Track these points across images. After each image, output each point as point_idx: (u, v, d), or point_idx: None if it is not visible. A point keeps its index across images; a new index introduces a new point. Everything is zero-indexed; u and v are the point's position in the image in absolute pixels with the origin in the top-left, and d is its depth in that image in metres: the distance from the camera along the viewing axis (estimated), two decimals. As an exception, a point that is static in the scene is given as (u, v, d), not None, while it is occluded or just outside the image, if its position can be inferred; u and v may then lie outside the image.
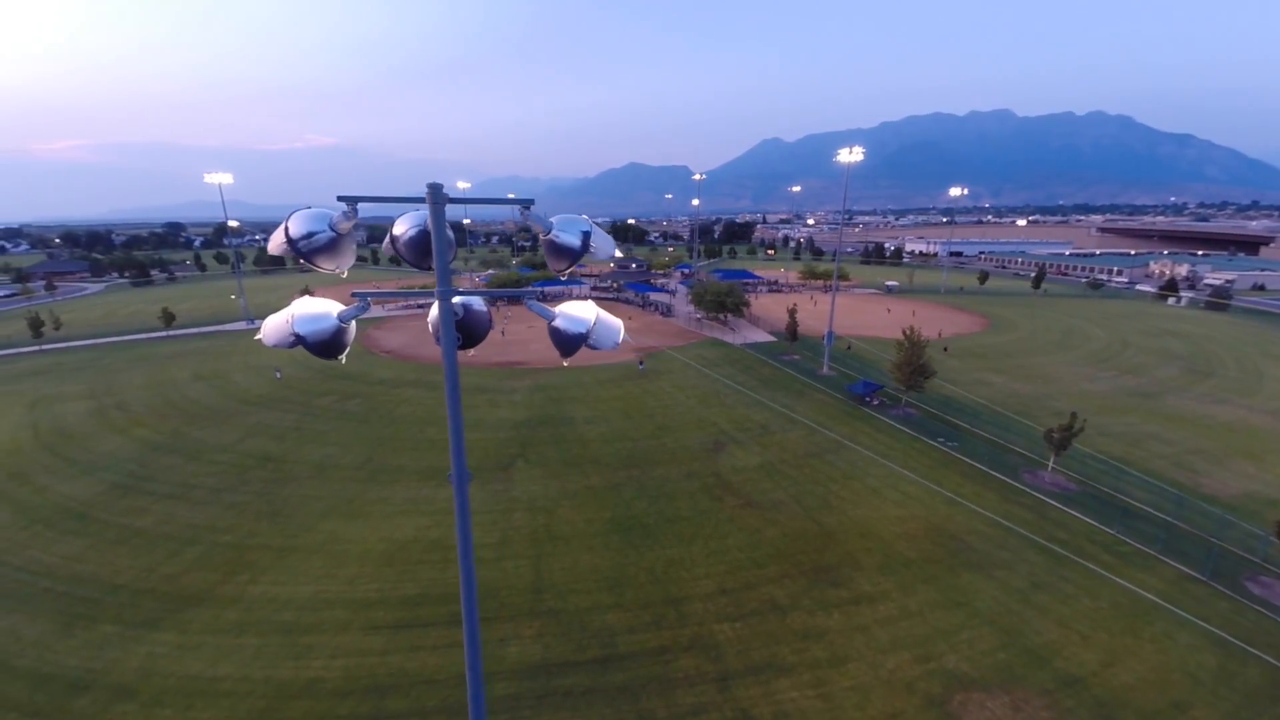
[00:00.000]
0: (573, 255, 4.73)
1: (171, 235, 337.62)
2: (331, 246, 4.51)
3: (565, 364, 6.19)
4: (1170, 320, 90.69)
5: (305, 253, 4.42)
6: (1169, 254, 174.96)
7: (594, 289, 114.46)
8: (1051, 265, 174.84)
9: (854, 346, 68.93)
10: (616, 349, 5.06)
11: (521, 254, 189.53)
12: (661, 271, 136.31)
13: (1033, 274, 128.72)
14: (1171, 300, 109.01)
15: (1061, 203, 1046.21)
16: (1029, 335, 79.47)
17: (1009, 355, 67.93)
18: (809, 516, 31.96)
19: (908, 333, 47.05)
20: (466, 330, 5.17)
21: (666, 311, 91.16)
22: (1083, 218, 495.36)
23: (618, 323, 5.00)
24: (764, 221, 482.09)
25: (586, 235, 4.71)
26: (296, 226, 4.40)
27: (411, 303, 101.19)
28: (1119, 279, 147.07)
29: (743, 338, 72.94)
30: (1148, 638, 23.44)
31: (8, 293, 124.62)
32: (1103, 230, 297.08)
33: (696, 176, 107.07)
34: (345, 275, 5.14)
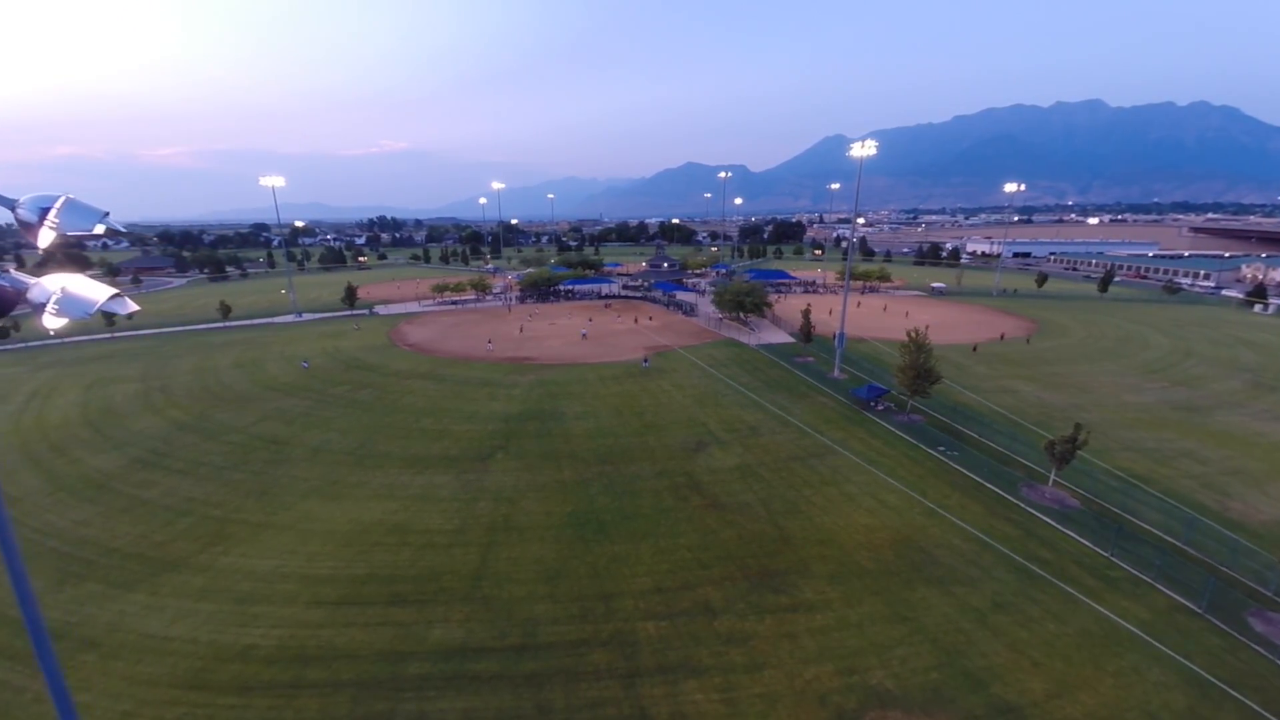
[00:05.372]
0: (30, 229, 4.96)
1: (254, 235, 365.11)
2: None
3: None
4: (1250, 329, 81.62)
5: None
6: (1266, 257, 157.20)
7: (624, 287, 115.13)
8: (1129, 268, 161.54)
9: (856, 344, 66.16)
10: (90, 317, 5.22)
11: (564, 253, 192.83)
12: (697, 271, 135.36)
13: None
14: (1258, 307, 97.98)
15: (1158, 200, 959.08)
16: (1078, 341, 73.68)
17: (1047, 362, 63.22)
18: (771, 520, 31.03)
19: (912, 335, 44.73)
20: None
21: (689, 311, 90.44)
22: (1180, 216, 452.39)
23: (93, 297, 5.13)
24: (821, 221, 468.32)
25: (45, 210, 4.92)
26: None
27: (445, 298, 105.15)
28: (1204, 283, 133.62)
29: (759, 338, 71.39)
30: (1111, 670, 21.37)
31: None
32: (1196, 230, 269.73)
33: (722, 175, 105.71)
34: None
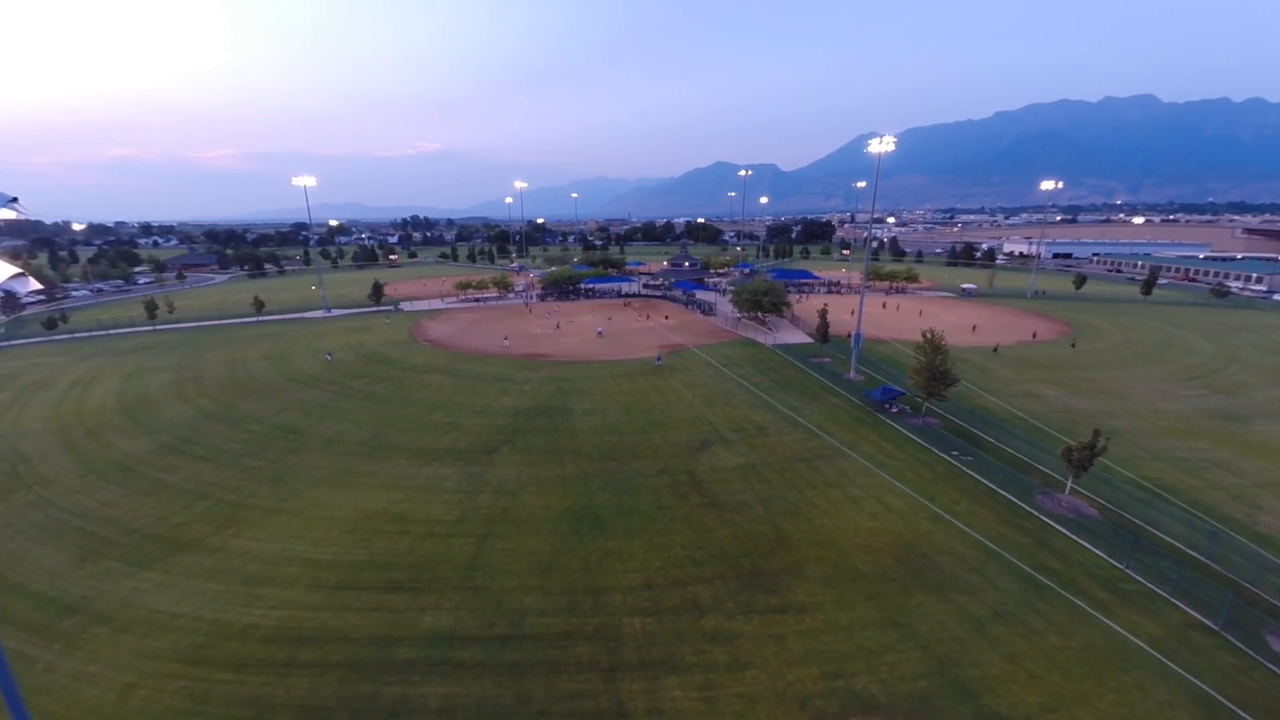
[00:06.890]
0: None
1: (294, 234, 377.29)
2: None
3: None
4: (1304, 334, 76.97)
5: None
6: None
7: (645, 286, 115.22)
8: (1176, 270, 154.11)
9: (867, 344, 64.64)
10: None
11: (589, 252, 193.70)
12: (719, 270, 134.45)
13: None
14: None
15: (1213, 200, 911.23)
16: (1114, 346, 70.62)
17: (1077, 367, 60.78)
18: (770, 521, 30.66)
19: (927, 336, 43.56)
20: None
21: (708, 310, 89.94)
22: (1236, 217, 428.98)
23: None
24: (852, 220, 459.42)
25: None
26: None
27: (468, 295, 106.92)
28: (1256, 286, 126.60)
29: (777, 338, 70.53)
30: (1114, 686, 20.46)
31: (146, 280, 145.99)
32: (1250, 232, 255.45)
33: (742, 173, 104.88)
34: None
